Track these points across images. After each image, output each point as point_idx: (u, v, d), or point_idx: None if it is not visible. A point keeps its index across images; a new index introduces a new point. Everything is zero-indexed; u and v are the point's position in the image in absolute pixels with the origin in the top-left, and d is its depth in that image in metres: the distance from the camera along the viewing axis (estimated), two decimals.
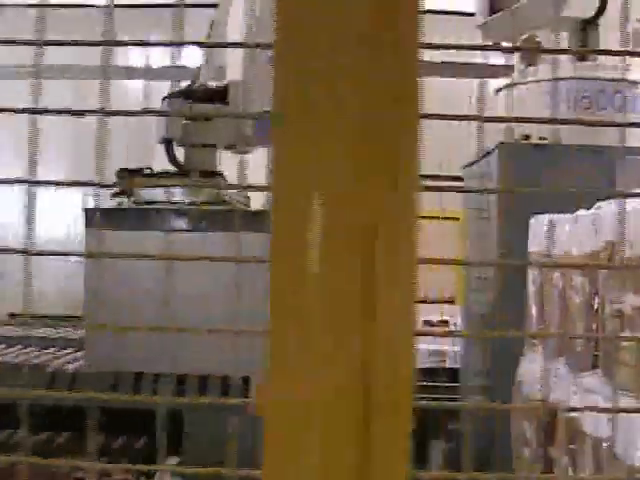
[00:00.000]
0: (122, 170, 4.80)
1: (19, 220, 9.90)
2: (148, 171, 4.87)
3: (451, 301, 6.28)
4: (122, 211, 4.89)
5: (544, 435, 3.49)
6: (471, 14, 5.88)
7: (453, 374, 6.66)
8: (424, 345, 6.84)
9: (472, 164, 5.68)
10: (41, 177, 1.59)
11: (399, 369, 1.10)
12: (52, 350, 5.33)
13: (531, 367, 3.72)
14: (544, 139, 5.02)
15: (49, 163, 9.34)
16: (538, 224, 3.78)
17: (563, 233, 3.35)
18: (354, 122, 1.07)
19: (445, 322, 6.85)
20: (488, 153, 5.20)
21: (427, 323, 6.90)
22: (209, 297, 4.86)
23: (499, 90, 5.50)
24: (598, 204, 3.04)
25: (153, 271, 4.70)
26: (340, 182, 1.07)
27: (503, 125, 5.34)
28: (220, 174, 4.96)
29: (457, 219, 6.25)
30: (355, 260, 1.07)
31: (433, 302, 7.42)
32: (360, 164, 1.07)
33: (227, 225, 4.64)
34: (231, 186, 5.12)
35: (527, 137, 5.10)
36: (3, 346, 5.43)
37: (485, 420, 4.70)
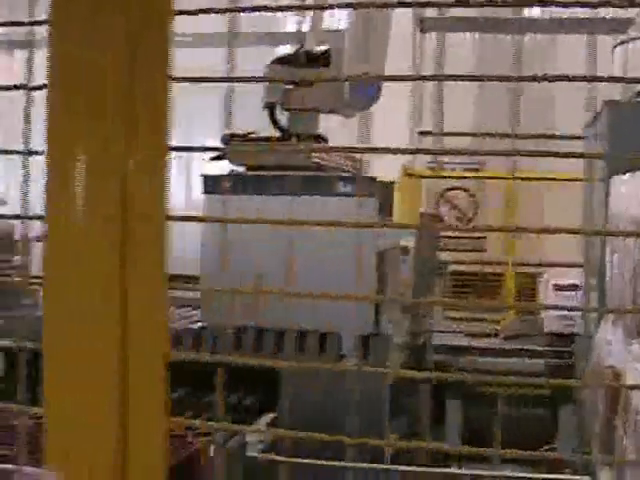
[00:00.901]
0: (227, 135, 4.98)
1: None
2: (253, 136, 5.02)
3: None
4: (241, 177, 5.07)
5: (609, 403, 3.38)
6: None
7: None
8: (553, 312, 6.71)
9: (591, 123, 5.47)
10: None
11: (154, 320, 1.17)
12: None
13: (602, 334, 3.61)
14: None
15: None
16: (615, 184, 3.63)
17: (622, 194, 3.22)
18: (113, 95, 1.15)
19: (575, 286, 6.67)
20: (600, 111, 4.99)
21: (557, 287, 6.74)
22: (317, 259, 4.96)
23: (616, 46, 5.26)
24: None
25: (269, 234, 4.88)
26: (99, 144, 1.15)
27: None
28: (322, 138, 5.05)
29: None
30: (114, 220, 1.15)
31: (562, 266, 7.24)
32: (116, 130, 1.14)
33: (327, 189, 4.76)
34: (323, 148, 5.20)
35: None
36: None
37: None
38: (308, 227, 4.74)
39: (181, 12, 1.12)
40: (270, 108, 5.01)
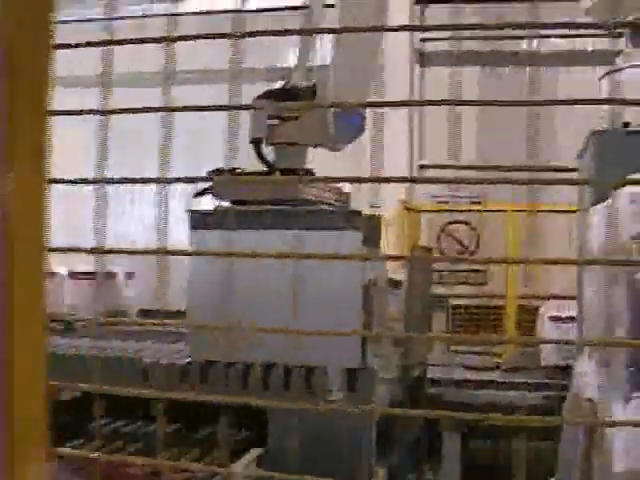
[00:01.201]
0: (214, 170, 5.00)
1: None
2: (239, 171, 5.03)
3: None
4: (225, 212, 5.07)
5: (588, 435, 3.35)
6: None
7: None
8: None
9: (582, 154, 5.46)
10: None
11: (36, 352, 1.17)
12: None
13: (580, 366, 3.58)
14: None
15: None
16: (591, 214, 3.62)
17: (595, 223, 3.21)
18: None
19: (572, 318, 6.63)
20: (588, 141, 4.99)
21: (555, 319, 6.70)
22: (303, 291, 4.94)
23: (603, 76, 5.25)
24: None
25: (254, 268, 4.89)
26: None
27: (607, 113, 5.14)
28: (309, 172, 5.07)
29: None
30: None
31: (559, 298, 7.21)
32: None
33: (312, 223, 4.76)
34: (314, 179, 5.21)
35: (627, 124, 4.85)
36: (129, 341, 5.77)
37: None
38: (293, 261, 4.75)
39: (60, 45, 1.13)
40: (256, 143, 5.03)
